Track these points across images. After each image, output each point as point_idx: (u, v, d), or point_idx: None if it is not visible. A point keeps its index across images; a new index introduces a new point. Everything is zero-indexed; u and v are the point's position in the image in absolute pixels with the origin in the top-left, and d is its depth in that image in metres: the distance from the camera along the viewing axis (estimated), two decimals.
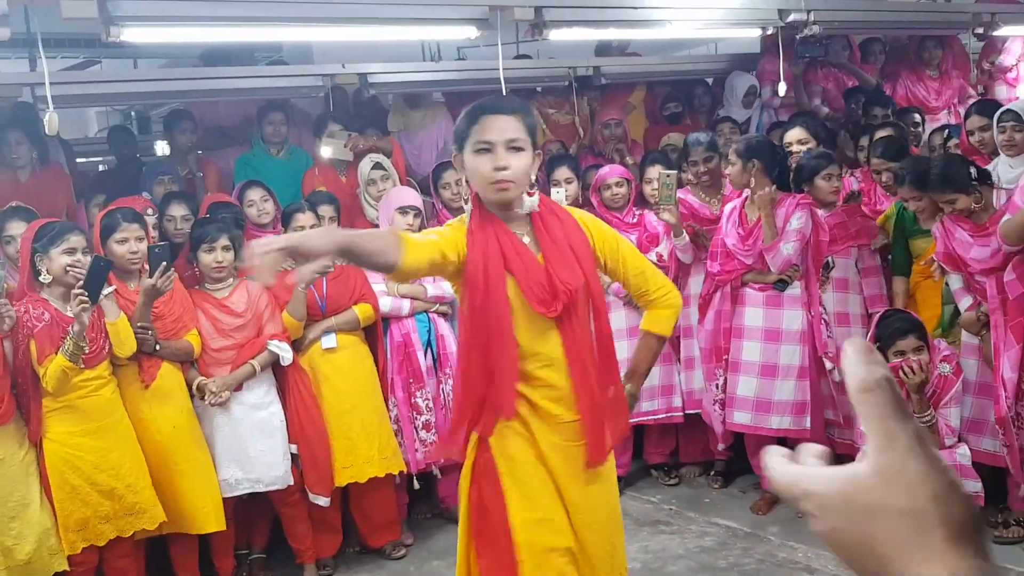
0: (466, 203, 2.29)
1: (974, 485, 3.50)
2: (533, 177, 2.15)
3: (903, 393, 3.53)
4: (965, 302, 3.63)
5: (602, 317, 2.26)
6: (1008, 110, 3.85)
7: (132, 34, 3.30)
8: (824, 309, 3.91)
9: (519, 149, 2.08)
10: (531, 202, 2.14)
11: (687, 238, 4.08)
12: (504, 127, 2.07)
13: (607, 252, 2.25)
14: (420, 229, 3.87)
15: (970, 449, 3.61)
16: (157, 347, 3.49)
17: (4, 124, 4.40)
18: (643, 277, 2.31)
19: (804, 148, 4.11)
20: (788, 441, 3.97)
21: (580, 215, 2.30)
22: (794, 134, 4.16)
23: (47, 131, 3.30)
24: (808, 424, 3.86)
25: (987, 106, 4.15)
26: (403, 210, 4.00)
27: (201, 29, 3.55)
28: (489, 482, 2.21)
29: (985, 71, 5.82)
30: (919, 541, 0.60)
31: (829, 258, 3.98)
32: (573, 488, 2.23)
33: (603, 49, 5.95)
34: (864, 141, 4.58)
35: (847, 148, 4.96)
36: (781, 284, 3.87)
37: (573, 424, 2.19)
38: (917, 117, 5.10)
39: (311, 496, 3.81)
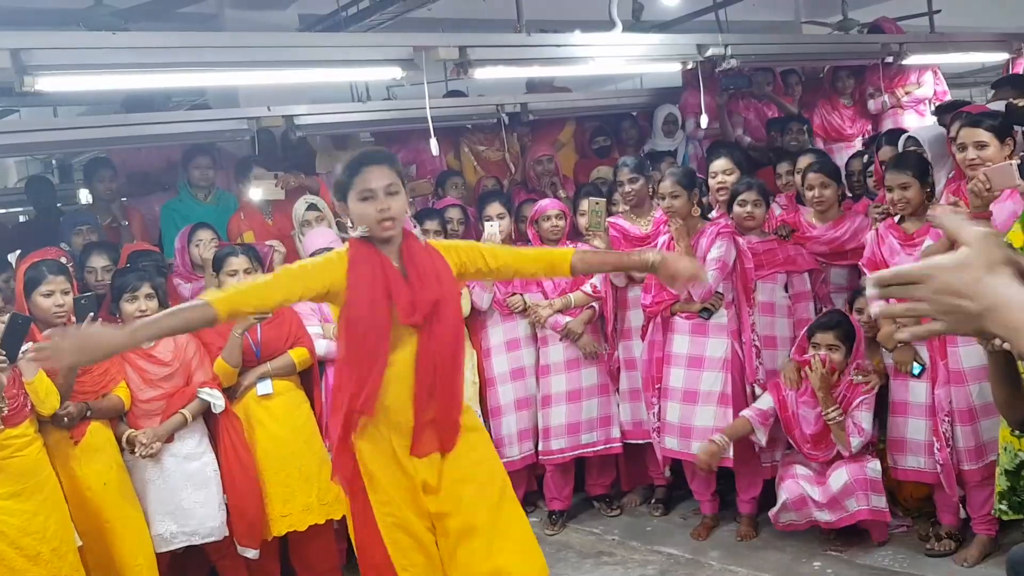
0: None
1: (878, 500, 3.62)
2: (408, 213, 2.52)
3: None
4: (876, 308, 3.70)
5: (452, 332, 2.59)
6: (910, 136, 4.03)
7: (47, 83, 3.23)
8: (756, 336, 3.97)
9: (395, 193, 2.47)
10: (419, 232, 2.61)
11: None
12: (382, 176, 2.46)
13: (464, 257, 2.64)
14: None
15: (894, 466, 3.71)
16: (88, 413, 3.39)
17: None
18: (518, 257, 2.73)
19: (730, 178, 4.19)
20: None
21: (439, 243, 2.72)
22: (719, 164, 4.24)
23: None
24: (730, 452, 3.86)
25: (896, 135, 4.31)
26: (316, 255, 4.00)
27: (119, 76, 3.49)
28: (364, 523, 2.61)
29: (897, 98, 6.06)
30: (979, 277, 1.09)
31: (755, 284, 4.05)
32: (430, 474, 2.60)
33: (534, 85, 6.05)
34: (783, 168, 4.72)
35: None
36: (706, 312, 3.94)
37: (410, 422, 2.57)
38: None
39: (239, 548, 3.71)
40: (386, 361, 2.50)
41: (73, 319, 3.35)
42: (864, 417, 3.67)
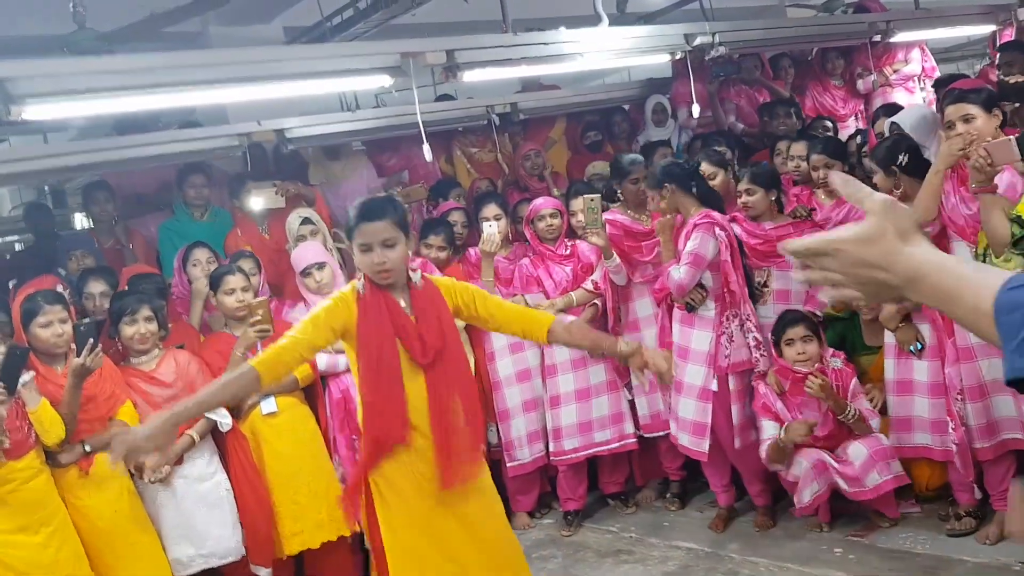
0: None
1: (897, 467, 3.65)
2: (410, 255, 2.70)
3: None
4: (799, 274, 3.69)
5: (459, 364, 2.72)
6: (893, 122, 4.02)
7: (35, 111, 3.20)
8: (756, 328, 3.85)
9: (392, 246, 2.60)
10: (415, 277, 2.71)
11: (618, 260, 4.09)
12: (378, 230, 2.58)
13: (462, 299, 2.76)
14: (333, 282, 3.98)
15: (899, 444, 3.70)
16: (87, 448, 3.37)
17: None
18: (502, 311, 2.80)
19: (714, 182, 4.13)
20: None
21: (441, 281, 2.81)
22: (702, 169, 4.17)
23: None
24: (706, 447, 3.85)
25: (893, 111, 4.30)
26: (305, 272, 4.01)
27: (107, 100, 3.45)
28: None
29: (885, 76, 6.04)
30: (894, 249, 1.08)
31: (768, 270, 4.02)
32: (450, 513, 2.66)
33: (527, 84, 6.03)
34: (782, 146, 4.70)
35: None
36: (689, 306, 3.89)
37: (430, 455, 2.64)
38: (828, 123, 5.27)
39: (252, 567, 3.68)
40: (403, 392, 2.61)
41: (74, 347, 3.32)
42: (863, 400, 3.75)
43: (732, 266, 3.79)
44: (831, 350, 3.81)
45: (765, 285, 4.05)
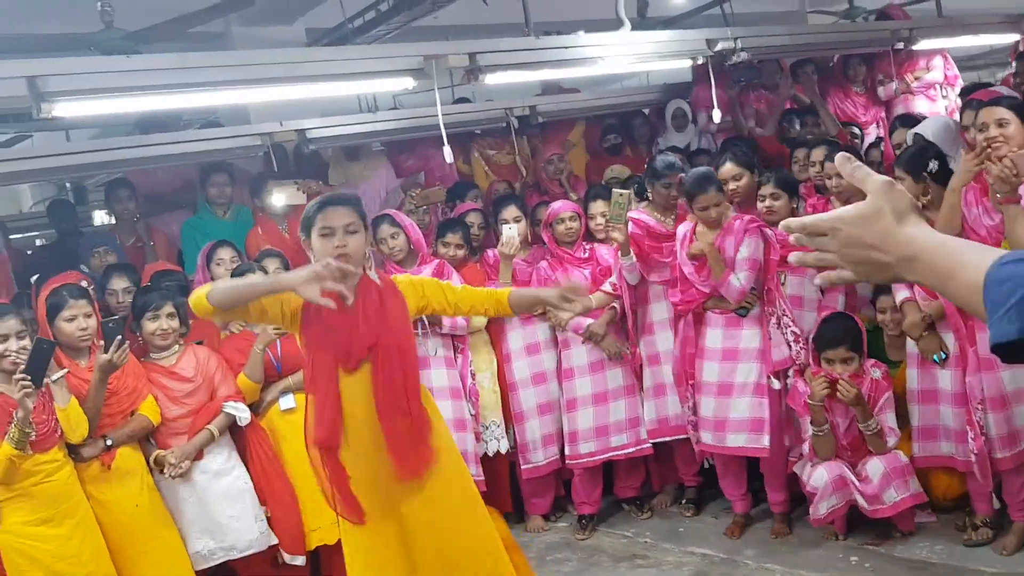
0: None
1: (915, 484, 3.64)
2: (368, 252, 2.71)
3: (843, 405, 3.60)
4: (901, 295, 3.70)
5: (399, 364, 2.70)
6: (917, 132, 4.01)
7: (63, 109, 3.25)
8: (794, 322, 3.87)
9: (354, 232, 2.62)
10: (372, 274, 2.73)
11: (634, 258, 4.09)
12: (343, 215, 2.61)
13: (428, 294, 2.81)
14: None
15: (922, 455, 3.70)
16: (109, 443, 3.41)
17: None
18: (470, 297, 2.89)
19: (739, 184, 4.11)
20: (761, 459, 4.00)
21: (400, 280, 2.84)
22: (726, 170, 4.14)
23: None
24: (766, 442, 3.86)
25: (910, 121, 4.29)
26: None
27: (134, 99, 3.50)
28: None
29: (907, 83, 6.02)
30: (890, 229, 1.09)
31: (782, 275, 4.02)
32: (406, 501, 2.71)
33: (547, 87, 6.04)
34: (800, 154, 4.69)
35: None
36: (743, 310, 3.88)
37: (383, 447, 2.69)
38: (856, 130, 5.25)
39: (286, 556, 3.72)
40: (337, 394, 2.65)
41: (100, 342, 3.36)
42: (890, 418, 3.70)
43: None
44: (872, 360, 3.76)
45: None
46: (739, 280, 3.80)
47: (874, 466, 3.64)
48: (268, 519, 3.71)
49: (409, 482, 2.70)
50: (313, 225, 2.63)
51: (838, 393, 3.60)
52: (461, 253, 4.39)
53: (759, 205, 4.04)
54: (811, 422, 3.67)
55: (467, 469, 2.98)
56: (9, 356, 3.13)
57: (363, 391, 2.66)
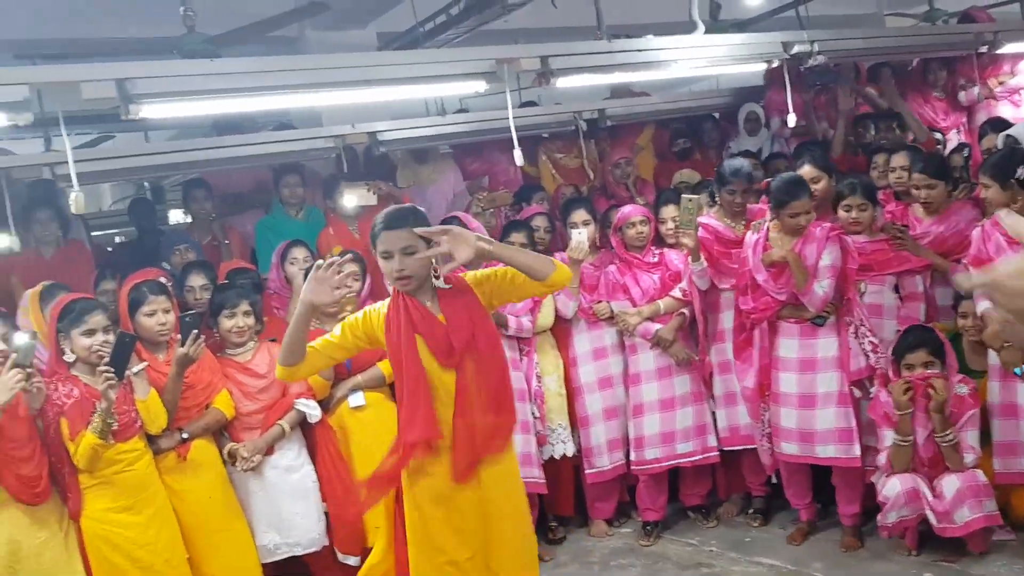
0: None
1: (991, 505, 3.53)
2: (433, 263, 2.71)
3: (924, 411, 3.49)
4: (983, 305, 3.59)
5: (492, 360, 2.76)
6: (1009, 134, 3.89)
7: (149, 110, 3.34)
8: (871, 332, 3.81)
9: (412, 253, 2.65)
10: (439, 283, 2.76)
11: (704, 264, 4.05)
12: (399, 239, 2.65)
13: (487, 283, 2.79)
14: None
15: (1003, 471, 3.59)
16: (184, 435, 3.50)
17: (30, 203, 4.47)
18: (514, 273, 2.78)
19: (817, 187, 4.02)
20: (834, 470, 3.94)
21: (471, 276, 2.83)
22: (806, 172, 4.07)
23: (73, 210, 3.34)
24: (857, 452, 3.79)
25: (1001, 126, 4.16)
26: None
27: (215, 101, 3.59)
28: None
29: (990, 89, 5.83)
30: None
31: (861, 284, 3.93)
32: (468, 498, 2.76)
33: (617, 91, 6.01)
34: (880, 159, 4.58)
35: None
36: (820, 319, 3.82)
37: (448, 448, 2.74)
38: (939, 136, 5.11)
39: (340, 556, 3.78)
40: (430, 392, 2.70)
41: (177, 336, 3.46)
42: (972, 436, 3.59)
43: None
44: (961, 376, 3.66)
45: (860, 296, 3.94)
46: (823, 288, 3.74)
47: (949, 483, 3.54)
48: (328, 517, 3.77)
49: (465, 482, 2.73)
50: (376, 245, 2.72)
51: (930, 391, 3.50)
52: None
53: (843, 214, 3.96)
54: (896, 431, 3.58)
55: (522, 482, 2.98)
56: (96, 350, 3.24)
57: (448, 395, 2.72)
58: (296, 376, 2.83)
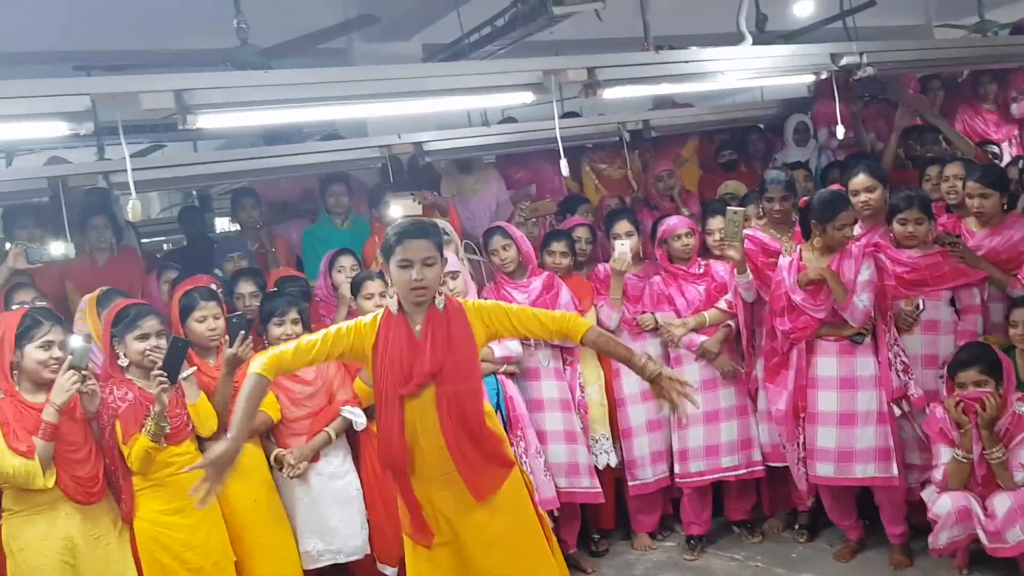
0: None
1: None
2: (442, 281, 2.81)
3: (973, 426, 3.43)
4: None
5: (458, 397, 2.77)
6: None
7: (205, 120, 3.41)
8: (903, 352, 3.81)
9: (431, 264, 2.71)
10: (440, 300, 2.79)
11: (750, 276, 4.03)
12: (421, 249, 2.70)
13: (493, 319, 2.83)
14: (465, 291, 4.04)
15: None
16: (229, 436, 3.52)
17: (86, 210, 4.58)
18: (535, 322, 2.85)
19: (872, 196, 4.00)
20: (875, 490, 3.88)
21: (469, 305, 2.87)
22: (860, 181, 4.03)
23: (130, 217, 3.43)
24: (895, 471, 3.78)
25: None
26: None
27: (268, 112, 3.65)
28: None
29: None
30: None
31: (920, 299, 3.89)
32: (468, 525, 2.81)
33: (660, 102, 6.00)
34: (933, 171, 4.52)
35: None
36: (859, 337, 3.81)
37: (452, 473, 2.79)
38: (996, 149, 5.03)
39: (379, 565, 3.80)
40: (402, 420, 2.75)
41: (226, 339, 3.51)
42: (1023, 454, 3.51)
43: None
44: (1020, 394, 3.59)
45: (918, 311, 3.89)
46: (863, 301, 3.72)
47: (1001, 501, 3.47)
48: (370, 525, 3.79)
49: (483, 501, 2.79)
50: (392, 255, 2.72)
51: (979, 408, 3.44)
52: (566, 262, 4.39)
53: (899, 228, 3.92)
54: (959, 446, 3.53)
55: (528, 497, 2.99)
56: (149, 354, 3.30)
57: (429, 416, 2.76)
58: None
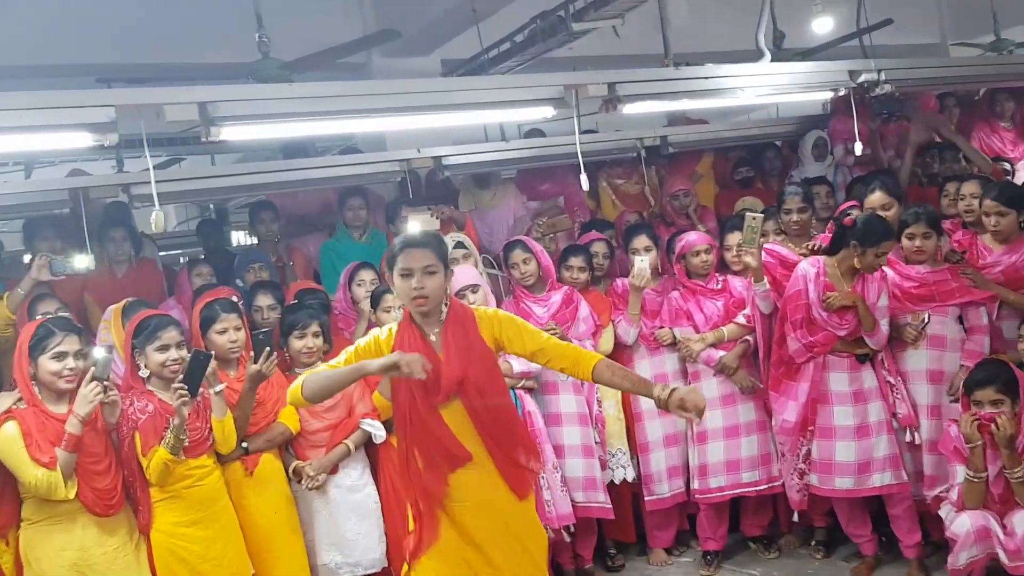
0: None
1: None
2: (447, 290, 2.77)
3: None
4: None
5: (490, 396, 2.76)
6: None
7: (228, 132, 3.43)
8: (889, 371, 3.93)
9: (433, 273, 2.68)
10: (443, 309, 2.76)
11: (767, 285, 4.04)
12: (422, 257, 2.68)
13: (505, 333, 2.80)
14: (487, 303, 3.98)
15: None
16: (244, 446, 3.55)
17: (105, 222, 4.61)
18: (547, 344, 2.80)
19: (888, 213, 4.04)
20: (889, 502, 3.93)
21: (481, 312, 2.84)
22: (876, 199, 4.11)
23: (153, 228, 3.43)
24: (905, 477, 3.88)
25: None
26: (459, 294, 3.89)
27: (291, 124, 3.68)
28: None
29: None
30: None
31: (925, 314, 3.90)
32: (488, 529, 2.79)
33: (674, 118, 6.02)
34: (951, 188, 4.53)
35: None
36: (863, 356, 3.91)
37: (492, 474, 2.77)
38: (1008, 166, 5.03)
39: None
40: (443, 422, 2.72)
41: (249, 353, 3.52)
42: None
43: None
44: None
45: (923, 324, 3.92)
46: (885, 327, 3.84)
47: (1020, 520, 3.44)
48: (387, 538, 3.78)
49: (524, 499, 2.78)
50: (394, 265, 2.72)
51: (994, 428, 3.42)
52: (583, 277, 4.39)
53: (907, 243, 3.94)
54: (968, 466, 3.51)
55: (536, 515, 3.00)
56: (169, 365, 3.31)
57: (462, 421, 2.74)
58: (301, 404, 2.83)
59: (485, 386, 2.76)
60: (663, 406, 2.65)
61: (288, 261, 5.13)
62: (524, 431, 2.91)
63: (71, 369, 3.11)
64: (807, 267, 3.94)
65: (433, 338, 2.76)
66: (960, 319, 3.95)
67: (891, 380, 3.90)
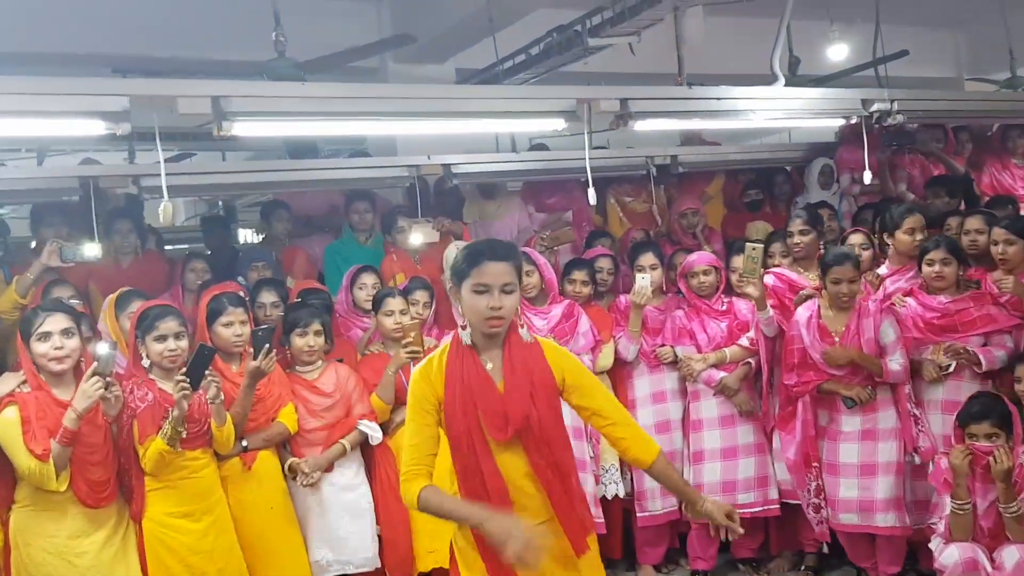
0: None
1: None
2: (518, 308, 2.46)
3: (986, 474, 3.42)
4: None
5: (550, 445, 2.43)
6: None
7: (240, 128, 3.44)
8: (911, 404, 3.86)
9: (510, 292, 2.37)
10: (524, 332, 2.47)
11: (771, 312, 4.04)
12: (500, 272, 2.36)
13: (569, 378, 2.47)
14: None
15: None
16: (244, 444, 3.55)
17: (112, 213, 4.62)
18: (603, 416, 2.50)
19: (866, 252, 4.11)
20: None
21: (550, 347, 2.52)
22: (855, 239, 4.22)
23: (161, 220, 3.45)
24: (907, 520, 3.82)
25: None
26: None
27: (303, 123, 3.70)
28: None
29: None
30: None
31: (951, 365, 3.86)
32: None
33: (688, 138, 6.03)
34: (954, 222, 4.53)
35: None
36: (850, 402, 3.85)
37: (544, 525, 2.41)
38: (1010, 207, 5.02)
39: None
40: (495, 466, 2.39)
41: (250, 350, 3.52)
42: None
43: None
44: None
45: (948, 371, 3.87)
46: (897, 362, 3.81)
47: (1010, 554, 3.41)
48: (380, 540, 3.78)
49: (582, 556, 2.46)
50: (467, 277, 2.38)
51: (991, 460, 3.40)
52: (586, 291, 4.38)
53: (927, 269, 3.93)
54: (952, 497, 3.49)
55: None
56: (167, 355, 3.31)
57: (518, 463, 2.42)
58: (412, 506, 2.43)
59: (549, 431, 2.42)
60: (696, 514, 2.57)
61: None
62: (578, 481, 2.56)
63: (57, 348, 3.08)
64: (802, 312, 3.98)
65: (490, 365, 2.43)
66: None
67: (916, 412, 3.84)
